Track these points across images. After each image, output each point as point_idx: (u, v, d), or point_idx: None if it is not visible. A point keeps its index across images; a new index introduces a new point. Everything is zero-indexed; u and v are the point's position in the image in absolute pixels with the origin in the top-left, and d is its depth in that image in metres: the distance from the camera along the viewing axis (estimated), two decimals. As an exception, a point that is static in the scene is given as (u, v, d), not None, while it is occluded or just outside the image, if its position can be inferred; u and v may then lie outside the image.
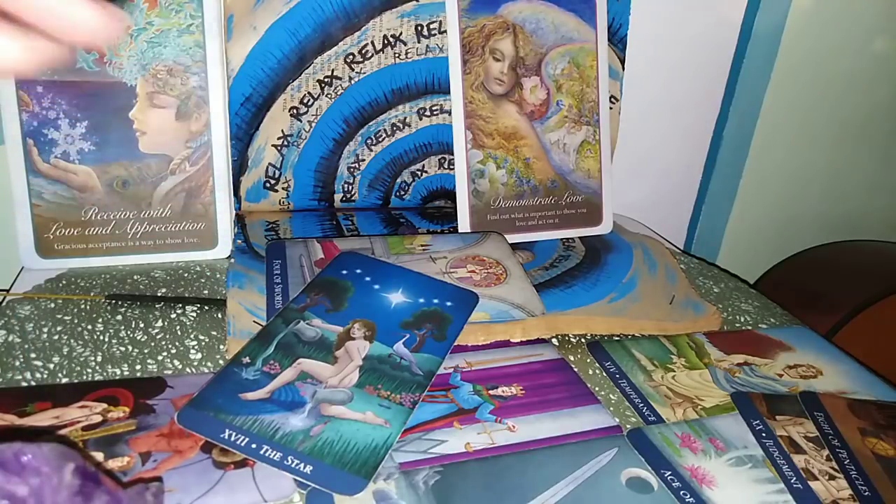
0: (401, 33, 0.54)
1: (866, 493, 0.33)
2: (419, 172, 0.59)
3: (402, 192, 0.59)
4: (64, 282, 0.44)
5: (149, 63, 0.46)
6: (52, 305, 0.41)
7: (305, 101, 0.54)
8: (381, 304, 0.41)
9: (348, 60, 0.53)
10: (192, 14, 0.46)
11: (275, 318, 0.39)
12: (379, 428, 0.33)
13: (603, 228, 0.57)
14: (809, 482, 0.33)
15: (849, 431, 0.37)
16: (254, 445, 0.31)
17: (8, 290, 0.43)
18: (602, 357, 0.42)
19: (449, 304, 0.42)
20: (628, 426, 0.36)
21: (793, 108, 0.77)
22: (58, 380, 0.35)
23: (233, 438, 0.31)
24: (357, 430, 0.32)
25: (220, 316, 0.42)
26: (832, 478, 0.34)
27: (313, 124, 0.54)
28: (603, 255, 0.53)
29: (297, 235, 0.52)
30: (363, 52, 0.53)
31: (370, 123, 0.56)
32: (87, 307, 0.42)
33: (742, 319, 0.48)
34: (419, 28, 0.54)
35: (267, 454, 0.30)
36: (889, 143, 0.85)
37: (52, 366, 0.36)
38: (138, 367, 0.37)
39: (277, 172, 0.55)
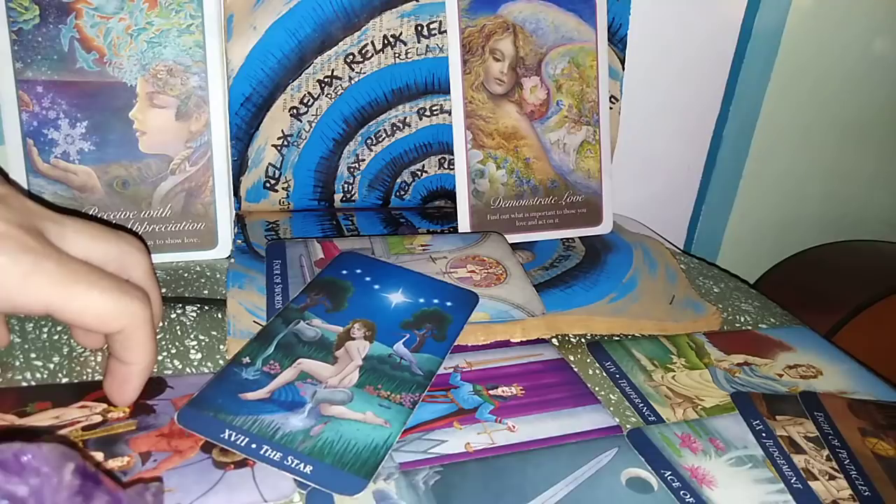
0: (401, 33, 0.54)
1: (866, 493, 0.33)
2: (419, 172, 0.59)
3: (402, 192, 0.59)
4: (64, 282, 0.44)
5: (149, 63, 0.46)
6: (52, 305, 0.41)
7: (305, 101, 0.54)
8: (381, 304, 0.41)
9: (348, 60, 0.53)
10: (192, 14, 0.46)
11: (275, 318, 0.39)
12: (379, 428, 0.33)
13: (603, 228, 0.57)
14: (809, 482, 0.33)
15: (849, 431, 0.37)
16: (254, 445, 0.31)
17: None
18: (602, 357, 0.42)
19: (449, 304, 0.42)
20: (628, 426, 0.36)
21: (793, 109, 0.77)
22: (58, 380, 0.35)
23: (233, 438, 0.31)
24: (357, 430, 0.32)
25: (220, 316, 0.42)
26: (832, 478, 0.34)
27: (313, 124, 0.54)
28: (603, 255, 0.53)
29: (297, 235, 0.52)
30: (363, 52, 0.53)
31: (370, 123, 0.56)
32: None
33: (742, 319, 0.48)
34: (419, 28, 0.54)
35: (267, 454, 0.30)
36: (889, 144, 0.85)
37: (52, 366, 0.36)
38: (138, 367, 0.37)
39: (277, 172, 0.55)
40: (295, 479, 0.30)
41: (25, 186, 0.45)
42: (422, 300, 0.42)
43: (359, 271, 0.44)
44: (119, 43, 0.45)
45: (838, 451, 0.35)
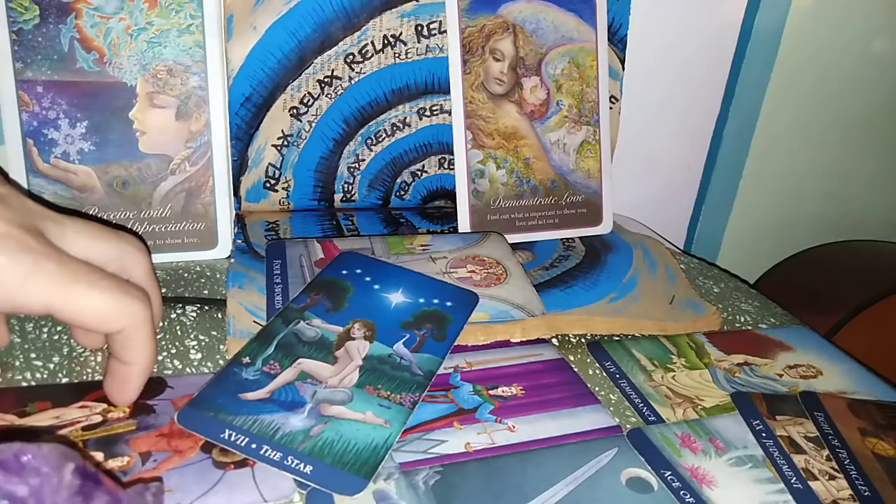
0: (401, 33, 0.54)
1: (866, 493, 0.33)
2: (419, 172, 0.59)
3: (402, 192, 0.59)
4: (64, 282, 0.44)
5: (149, 63, 0.46)
6: (52, 305, 0.41)
7: (305, 101, 0.54)
8: (381, 304, 0.41)
9: (348, 60, 0.53)
10: (192, 14, 0.46)
11: (275, 318, 0.39)
12: (379, 428, 0.33)
13: (603, 228, 0.57)
14: (809, 482, 0.33)
15: (849, 431, 0.37)
16: (254, 445, 0.31)
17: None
18: (602, 357, 0.42)
19: (449, 304, 0.42)
20: (628, 426, 0.36)
21: (793, 109, 0.77)
22: (58, 380, 0.35)
23: (233, 438, 0.31)
24: (357, 430, 0.32)
25: (220, 316, 0.42)
26: (832, 478, 0.34)
27: (313, 124, 0.54)
28: (603, 255, 0.53)
29: (297, 235, 0.52)
30: (363, 52, 0.53)
31: (370, 123, 0.56)
32: (87, 307, 0.41)
33: (742, 319, 0.48)
34: (419, 28, 0.54)
35: (267, 454, 0.30)
36: (889, 144, 0.85)
37: (52, 366, 0.36)
38: (138, 367, 0.37)
39: (277, 172, 0.55)
40: (295, 479, 0.30)
41: (25, 186, 0.45)
42: (422, 300, 0.42)
43: (359, 271, 0.44)
44: (119, 43, 0.45)
45: (838, 451, 0.35)
